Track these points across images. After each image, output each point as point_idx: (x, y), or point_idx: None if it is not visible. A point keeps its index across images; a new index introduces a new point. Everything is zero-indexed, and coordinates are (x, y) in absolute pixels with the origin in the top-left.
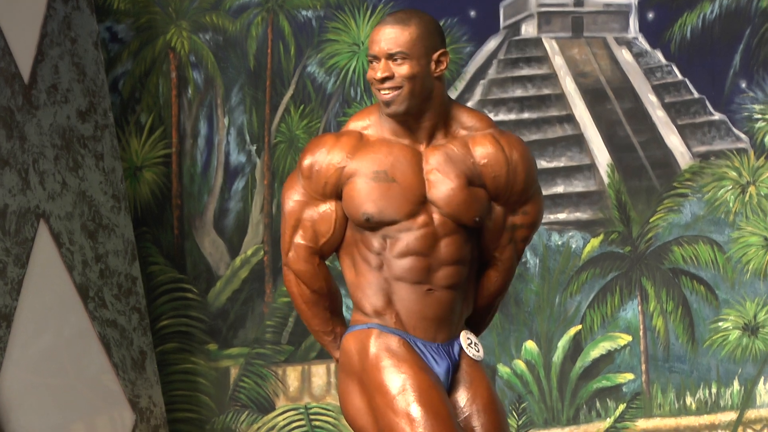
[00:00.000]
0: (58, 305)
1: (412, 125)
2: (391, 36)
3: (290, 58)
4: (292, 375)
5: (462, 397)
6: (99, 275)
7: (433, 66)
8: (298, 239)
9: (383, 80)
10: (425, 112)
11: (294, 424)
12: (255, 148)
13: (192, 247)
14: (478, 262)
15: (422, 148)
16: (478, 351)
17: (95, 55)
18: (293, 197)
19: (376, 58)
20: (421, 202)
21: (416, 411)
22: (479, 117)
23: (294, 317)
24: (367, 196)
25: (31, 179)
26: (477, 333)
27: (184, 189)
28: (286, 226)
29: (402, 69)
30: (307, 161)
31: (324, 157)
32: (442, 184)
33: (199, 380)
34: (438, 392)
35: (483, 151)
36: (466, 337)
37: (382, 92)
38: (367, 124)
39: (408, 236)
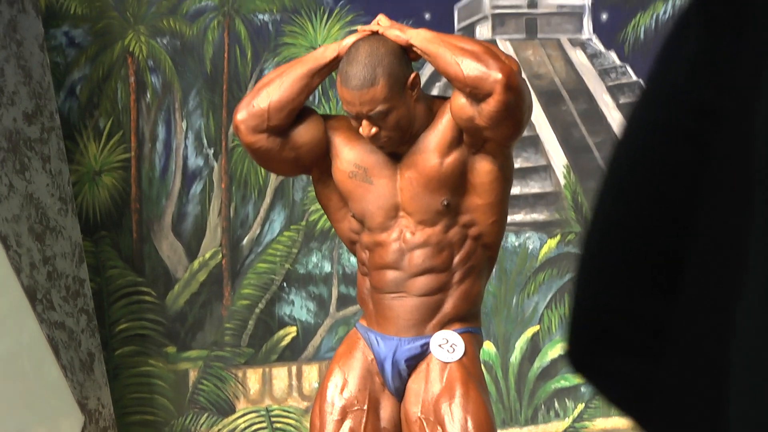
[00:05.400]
0: (9, 309)
1: None
2: (366, 98)
3: (247, 62)
4: (253, 377)
5: (411, 401)
6: (47, 277)
7: (409, 93)
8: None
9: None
10: (413, 130)
11: (255, 426)
12: (212, 151)
13: (150, 250)
14: (471, 260)
15: (404, 149)
16: (452, 352)
17: (41, 58)
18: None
19: (357, 117)
20: (393, 215)
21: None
22: (444, 101)
23: (254, 320)
24: (350, 193)
25: None
26: None
27: (143, 193)
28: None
29: (387, 121)
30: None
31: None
32: (412, 188)
33: (157, 382)
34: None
35: (442, 114)
36: (441, 338)
37: (373, 140)
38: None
39: (381, 250)
